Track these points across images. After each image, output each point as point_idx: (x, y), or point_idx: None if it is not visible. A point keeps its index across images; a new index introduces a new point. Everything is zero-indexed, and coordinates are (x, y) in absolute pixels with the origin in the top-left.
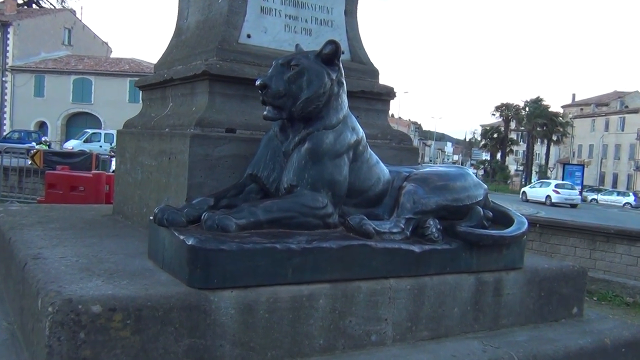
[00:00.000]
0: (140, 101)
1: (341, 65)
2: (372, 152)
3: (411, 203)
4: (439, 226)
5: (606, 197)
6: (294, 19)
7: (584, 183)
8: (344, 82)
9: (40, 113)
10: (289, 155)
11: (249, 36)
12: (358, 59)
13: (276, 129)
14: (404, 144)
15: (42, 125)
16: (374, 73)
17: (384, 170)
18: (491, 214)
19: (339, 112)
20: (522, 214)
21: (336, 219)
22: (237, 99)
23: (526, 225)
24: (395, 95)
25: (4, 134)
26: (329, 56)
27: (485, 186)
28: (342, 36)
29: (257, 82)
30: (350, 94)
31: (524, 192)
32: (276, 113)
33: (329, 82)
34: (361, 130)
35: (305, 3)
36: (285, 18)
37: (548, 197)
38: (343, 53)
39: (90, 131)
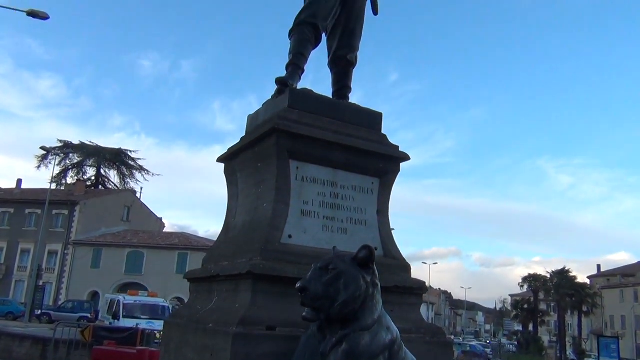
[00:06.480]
0: (188, 289)
1: (375, 268)
2: (406, 350)
3: None
4: None
5: None
6: (331, 220)
7: (621, 356)
8: (378, 283)
9: (94, 283)
10: (326, 356)
11: (290, 236)
12: (391, 255)
13: (314, 328)
14: (438, 338)
15: (94, 295)
16: (406, 268)
17: None
18: None
19: (374, 312)
20: None
21: None
22: (277, 297)
23: None
24: (427, 290)
25: (60, 303)
26: (364, 260)
27: None
28: (375, 234)
29: (298, 285)
30: (384, 289)
31: None
32: (315, 315)
33: (364, 285)
34: (395, 329)
35: (341, 205)
36: (323, 219)
37: None
38: (376, 249)
39: None
